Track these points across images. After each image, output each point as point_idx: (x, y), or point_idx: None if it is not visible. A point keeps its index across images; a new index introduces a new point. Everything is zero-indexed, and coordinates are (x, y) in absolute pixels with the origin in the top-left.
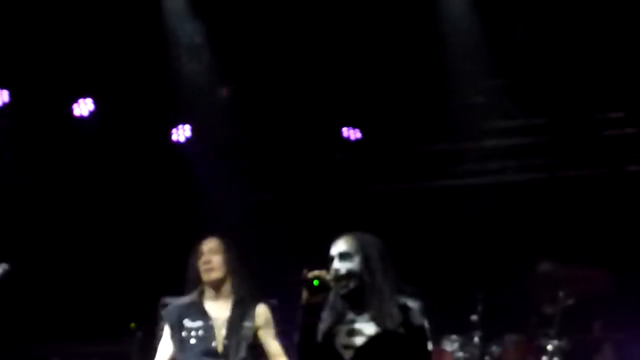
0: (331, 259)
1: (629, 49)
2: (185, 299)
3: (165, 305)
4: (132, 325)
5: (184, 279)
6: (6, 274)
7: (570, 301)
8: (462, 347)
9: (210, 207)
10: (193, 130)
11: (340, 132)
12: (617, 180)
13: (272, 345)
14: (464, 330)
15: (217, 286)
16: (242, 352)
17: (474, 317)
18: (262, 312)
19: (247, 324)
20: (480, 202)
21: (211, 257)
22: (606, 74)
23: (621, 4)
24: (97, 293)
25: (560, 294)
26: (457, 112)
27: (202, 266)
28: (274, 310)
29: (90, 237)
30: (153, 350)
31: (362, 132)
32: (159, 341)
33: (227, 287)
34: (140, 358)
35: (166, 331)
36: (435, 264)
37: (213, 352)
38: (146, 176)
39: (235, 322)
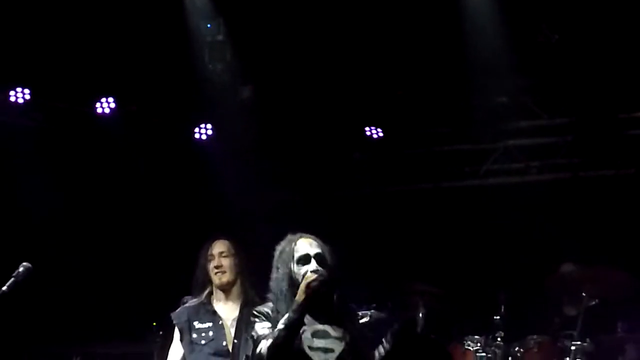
0: (307, 258)
1: None
2: (193, 301)
3: (185, 304)
4: (154, 324)
5: (192, 279)
6: (28, 273)
7: (593, 302)
8: (484, 348)
9: (231, 206)
10: (215, 129)
11: (363, 132)
12: None
13: None
14: (486, 331)
15: (227, 288)
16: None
17: (497, 318)
18: None
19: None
20: (503, 202)
21: (222, 260)
22: (630, 73)
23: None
24: (118, 293)
25: (583, 295)
26: (480, 112)
27: (213, 270)
28: None
29: (112, 236)
30: None
31: (383, 131)
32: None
33: (236, 289)
34: (163, 358)
35: (176, 334)
36: (457, 265)
37: (223, 352)
38: (168, 175)
39: (244, 322)
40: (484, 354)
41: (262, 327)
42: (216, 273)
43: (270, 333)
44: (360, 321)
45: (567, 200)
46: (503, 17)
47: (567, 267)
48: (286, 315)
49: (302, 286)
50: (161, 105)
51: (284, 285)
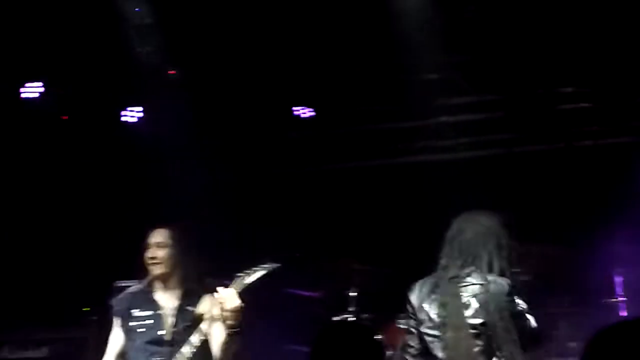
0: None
1: (580, 24)
2: (134, 287)
3: (119, 289)
4: (87, 309)
5: (137, 264)
6: None
7: (527, 277)
8: None
9: (165, 189)
10: (145, 112)
11: (292, 111)
12: (572, 154)
13: (219, 333)
14: None
15: (164, 279)
16: (190, 339)
17: None
18: (208, 300)
19: (194, 312)
20: (435, 179)
21: (157, 251)
22: (558, 49)
23: None
24: (50, 278)
25: (517, 270)
26: (411, 89)
27: (147, 260)
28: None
29: (44, 221)
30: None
31: (315, 110)
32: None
33: (174, 279)
34: (99, 342)
35: (116, 321)
36: (391, 243)
37: (161, 341)
38: (99, 158)
39: (183, 310)
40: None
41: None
42: (150, 264)
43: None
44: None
45: (499, 176)
46: None
47: None
48: None
49: None
50: (90, 89)
51: None
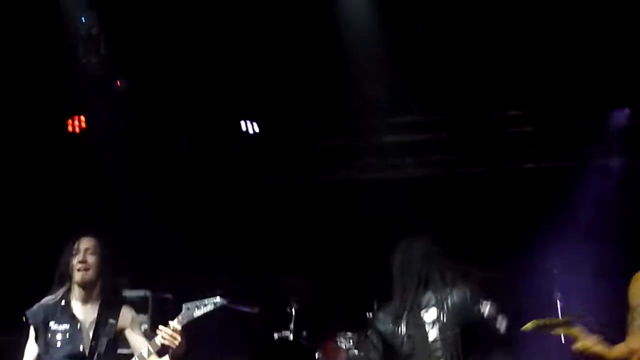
0: None
1: (526, 48)
2: (50, 298)
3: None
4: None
5: (52, 276)
6: None
7: None
8: (357, 345)
9: (105, 199)
10: (88, 121)
11: (239, 126)
12: (514, 177)
13: (140, 342)
14: (359, 328)
15: (87, 287)
16: (106, 352)
17: (370, 315)
18: (126, 313)
19: (112, 324)
20: (378, 197)
21: (87, 256)
22: (504, 72)
23: (517, 4)
24: None
25: None
26: (357, 107)
27: (77, 265)
28: (168, 304)
29: None
30: None
31: (260, 125)
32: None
33: (96, 289)
34: None
35: (31, 332)
36: (331, 260)
37: (79, 355)
38: (41, 166)
39: (102, 324)
40: (356, 352)
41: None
42: (79, 269)
43: None
44: (203, 310)
45: (440, 196)
46: (379, 13)
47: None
48: None
49: None
50: (35, 98)
51: None
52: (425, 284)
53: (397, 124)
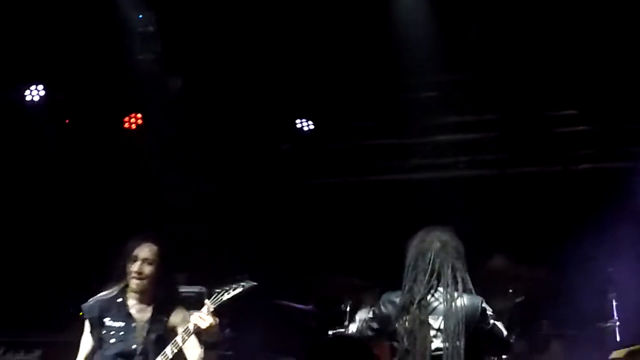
0: None
1: (581, 48)
2: (105, 294)
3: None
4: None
5: (110, 272)
6: None
7: (519, 299)
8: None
9: (160, 198)
10: (145, 120)
11: (294, 124)
12: (568, 178)
13: (193, 346)
14: None
15: (142, 292)
16: (165, 350)
17: None
18: (179, 312)
19: (164, 323)
20: (431, 197)
21: (144, 267)
22: (558, 72)
23: (573, 4)
24: (42, 281)
25: (510, 291)
26: (410, 106)
27: (132, 273)
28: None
29: (38, 226)
30: None
31: (314, 124)
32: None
33: (151, 292)
34: None
35: (87, 326)
36: (386, 258)
37: (132, 354)
38: (98, 164)
39: (156, 321)
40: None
41: None
42: (135, 278)
43: None
44: (233, 292)
45: (493, 196)
46: (434, 12)
47: (497, 262)
48: None
49: None
50: (92, 95)
51: None
52: (437, 279)
53: (450, 123)
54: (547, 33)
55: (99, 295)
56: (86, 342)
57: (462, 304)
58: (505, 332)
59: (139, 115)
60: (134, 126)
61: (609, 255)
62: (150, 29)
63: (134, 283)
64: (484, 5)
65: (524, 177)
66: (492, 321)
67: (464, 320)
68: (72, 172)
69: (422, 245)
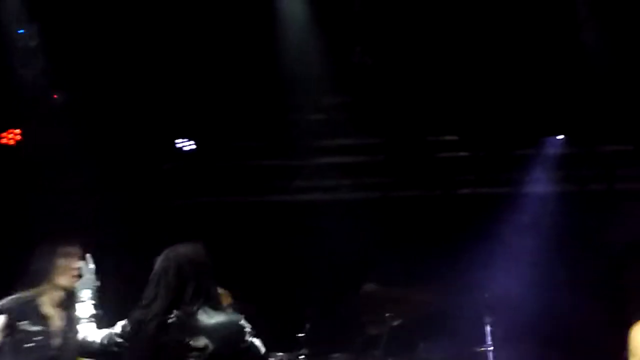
0: None
1: (463, 74)
2: (16, 297)
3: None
4: None
5: (25, 273)
6: None
7: (396, 322)
8: None
9: (38, 214)
10: (24, 135)
11: (174, 143)
12: (448, 202)
13: None
14: (290, 348)
15: (67, 292)
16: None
17: (301, 335)
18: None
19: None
20: (313, 219)
21: (79, 264)
22: (440, 98)
23: (454, 32)
24: None
25: (386, 315)
26: (294, 127)
27: (70, 270)
28: None
29: None
30: None
31: (196, 143)
32: None
33: (70, 295)
34: None
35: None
36: (263, 280)
37: (48, 358)
38: None
39: (70, 328)
40: None
41: None
42: (73, 275)
43: None
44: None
45: (375, 219)
46: (319, 35)
47: (369, 287)
48: None
49: None
50: None
51: None
52: (179, 299)
53: (334, 145)
54: (430, 59)
55: (13, 296)
56: None
57: (220, 322)
58: (263, 349)
59: (17, 130)
60: (12, 142)
61: (485, 280)
62: (32, 43)
63: (70, 281)
64: (369, 28)
65: (406, 200)
66: (249, 338)
67: (225, 338)
68: None
69: (166, 262)
